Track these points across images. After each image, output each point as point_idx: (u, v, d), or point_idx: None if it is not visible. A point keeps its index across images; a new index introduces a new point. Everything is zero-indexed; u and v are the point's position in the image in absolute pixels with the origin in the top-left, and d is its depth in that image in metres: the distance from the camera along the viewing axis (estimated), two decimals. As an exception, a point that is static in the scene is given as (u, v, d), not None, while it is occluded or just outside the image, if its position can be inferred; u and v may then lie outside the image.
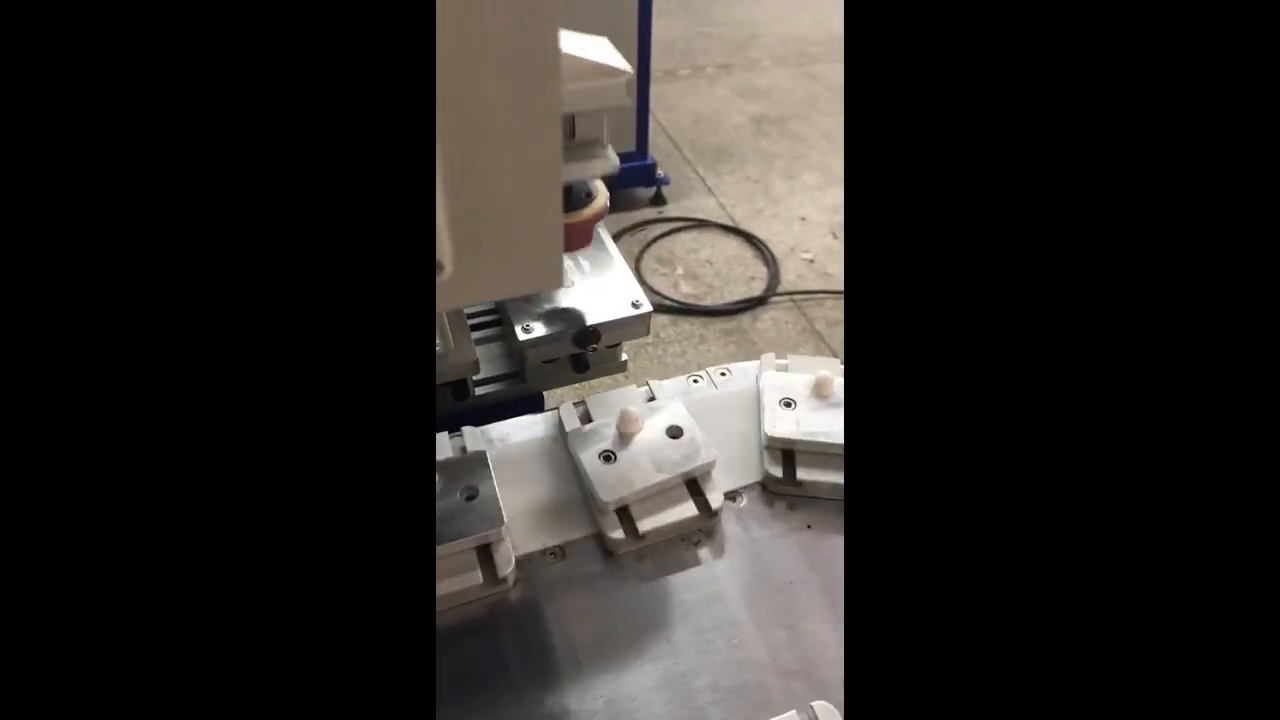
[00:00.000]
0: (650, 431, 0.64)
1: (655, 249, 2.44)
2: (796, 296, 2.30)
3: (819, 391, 0.68)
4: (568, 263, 0.77)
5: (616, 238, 2.42)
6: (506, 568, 0.57)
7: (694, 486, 0.63)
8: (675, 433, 0.64)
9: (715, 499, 0.62)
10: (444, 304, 0.35)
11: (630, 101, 0.62)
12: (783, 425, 0.65)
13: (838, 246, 2.44)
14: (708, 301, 2.27)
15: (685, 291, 2.30)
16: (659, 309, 2.23)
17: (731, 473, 0.66)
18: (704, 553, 0.61)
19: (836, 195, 2.66)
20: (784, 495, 0.65)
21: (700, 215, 2.58)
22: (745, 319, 2.24)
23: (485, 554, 0.57)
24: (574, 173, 0.64)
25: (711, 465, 0.63)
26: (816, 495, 0.64)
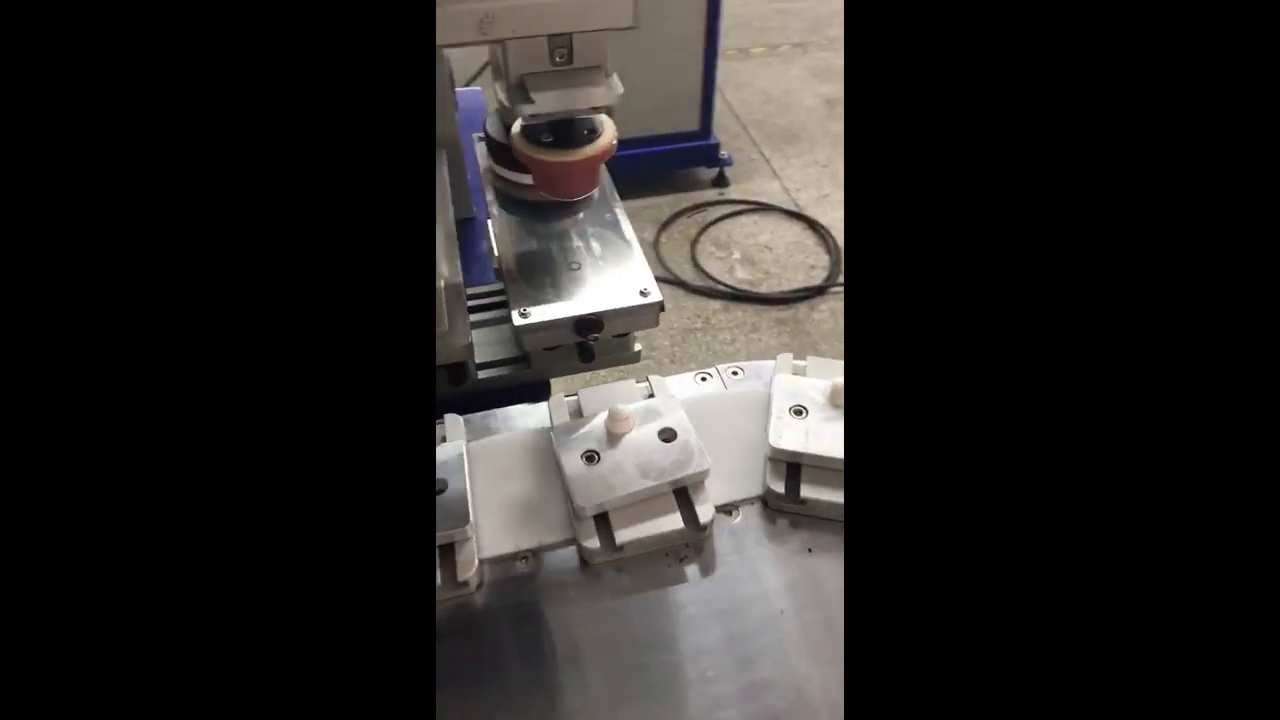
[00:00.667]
0: (641, 433, 0.59)
1: (713, 231, 2.37)
2: (857, 288, 2.20)
3: (834, 400, 0.61)
4: (576, 243, 0.72)
5: (673, 219, 2.36)
6: (468, 570, 0.52)
7: (684, 496, 0.57)
8: (668, 436, 0.58)
9: (705, 512, 0.56)
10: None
11: (635, 23, 0.53)
12: (789, 435, 0.59)
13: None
14: (763, 288, 2.19)
15: (740, 277, 2.23)
16: (711, 294, 2.16)
17: (729, 484, 0.60)
18: (690, 570, 0.56)
19: (909, 183, 2.54)
20: (786, 513, 0.59)
21: (763, 199, 2.49)
22: (802, 309, 2.15)
23: (448, 554, 0.53)
24: (571, 100, 0.54)
25: (704, 475, 0.57)
26: (822, 515, 0.58)
